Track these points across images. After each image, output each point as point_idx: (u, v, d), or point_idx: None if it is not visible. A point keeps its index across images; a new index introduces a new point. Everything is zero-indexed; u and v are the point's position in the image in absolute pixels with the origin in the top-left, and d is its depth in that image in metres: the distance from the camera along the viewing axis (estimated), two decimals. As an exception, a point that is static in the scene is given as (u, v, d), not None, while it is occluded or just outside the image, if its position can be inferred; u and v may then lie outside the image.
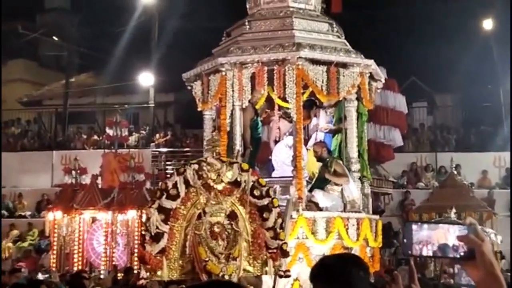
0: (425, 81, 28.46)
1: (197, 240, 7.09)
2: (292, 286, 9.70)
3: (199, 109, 11.18)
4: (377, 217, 11.16)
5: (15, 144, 26.47)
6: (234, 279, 6.80)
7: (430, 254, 2.12)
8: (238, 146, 10.48)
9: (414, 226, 2.16)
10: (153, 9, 27.67)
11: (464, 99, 27.32)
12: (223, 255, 7.10)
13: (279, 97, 10.73)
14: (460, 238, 2.06)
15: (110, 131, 19.02)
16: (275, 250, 7.19)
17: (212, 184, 7.29)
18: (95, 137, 25.91)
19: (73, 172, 18.59)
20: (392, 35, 27.99)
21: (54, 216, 17.09)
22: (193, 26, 27.43)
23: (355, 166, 10.73)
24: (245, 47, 10.58)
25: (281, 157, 11.28)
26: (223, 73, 10.43)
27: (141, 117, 29.21)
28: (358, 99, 10.95)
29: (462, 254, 2.07)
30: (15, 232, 21.60)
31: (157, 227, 7.09)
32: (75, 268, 16.20)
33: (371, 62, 10.79)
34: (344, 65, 10.55)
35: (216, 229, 7.17)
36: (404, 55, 26.53)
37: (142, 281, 7.21)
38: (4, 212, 23.18)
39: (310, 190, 10.60)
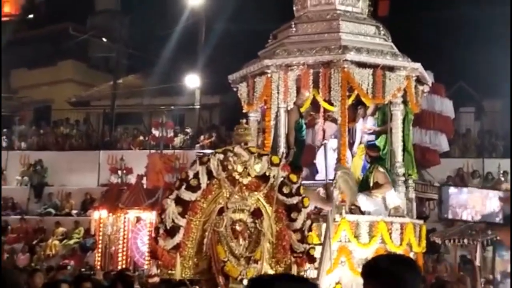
0: (473, 86, 28.02)
1: (216, 238, 6.40)
2: (334, 289, 9.67)
3: (244, 111, 11.23)
4: (421, 222, 11.05)
5: (63, 144, 26.95)
6: None
7: (470, 218, 2.04)
8: (282, 148, 10.50)
9: (451, 189, 2.07)
10: (201, 12, 27.90)
11: (513, 105, 26.82)
12: (244, 256, 6.39)
13: (324, 100, 10.72)
14: (503, 199, 1.98)
15: (156, 132, 19.25)
16: (300, 255, 6.51)
17: (237, 177, 6.60)
18: (141, 137, 26.21)
19: (119, 172, 18.87)
20: (440, 39, 27.66)
21: (99, 215, 17.33)
22: (239, 29, 27.54)
23: (400, 170, 10.65)
24: (291, 49, 10.61)
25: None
26: (269, 75, 10.47)
27: (187, 119, 29.42)
28: (404, 102, 10.87)
29: (502, 220, 1.98)
30: (61, 229, 21.98)
31: (173, 220, 6.41)
32: (119, 267, 16.40)
33: (418, 65, 10.71)
34: (391, 68, 10.49)
35: (237, 227, 6.48)
36: (452, 60, 26.19)
37: (155, 279, 6.76)
38: (51, 210, 23.63)
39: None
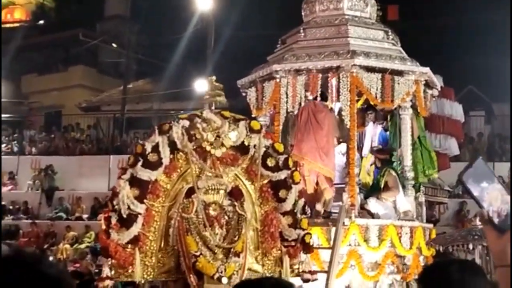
0: (483, 89, 27.99)
1: (184, 226, 4.93)
2: (344, 293, 9.69)
3: (253, 116, 11.28)
4: (431, 225, 11.07)
5: (74, 148, 27.09)
6: (235, 283, 4.58)
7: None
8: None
9: (469, 180, 1.97)
10: (210, 17, 27.99)
11: (523, 109, 26.77)
12: (221, 248, 4.95)
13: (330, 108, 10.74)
14: None
15: (166, 137, 19.28)
16: (293, 243, 5.18)
17: (208, 148, 5.16)
18: (152, 142, 26.25)
19: (130, 176, 18.90)
20: (450, 43, 27.66)
21: (110, 219, 17.36)
22: (248, 34, 27.64)
23: (409, 174, 10.67)
24: (299, 54, 10.66)
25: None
26: (278, 80, 10.53)
27: (197, 123, 29.45)
28: (413, 106, 10.90)
29: (503, 225, 1.93)
30: (72, 234, 22.08)
31: (128, 207, 4.89)
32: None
33: (426, 69, 10.74)
34: (399, 73, 10.52)
35: (212, 212, 5.03)
36: (462, 64, 26.18)
37: (106, 283, 5.01)
38: (62, 214, 23.75)
39: (366, 197, 10.59)
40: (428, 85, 11.15)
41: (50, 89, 33.28)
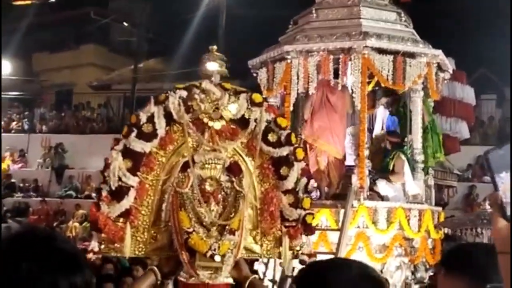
0: (495, 72, 27.82)
1: (178, 201, 4.77)
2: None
3: (263, 97, 11.24)
4: (439, 209, 11.07)
5: (84, 127, 27.20)
6: (229, 262, 4.63)
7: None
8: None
9: (494, 160, 1.93)
10: (222, -4, 27.89)
11: (535, 93, 26.61)
12: (216, 225, 4.75)
13: (343, 86, 10.72)
14: None
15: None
16: (294, 224, 4.91)
17: (206, 120, 4.93)
18: (162, 121, 26.30)
19: (139, 155, 18.97)
20: (463, 25, 27.45)
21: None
22: (260, 14, 27.52)
23: (419, 157, 10.65)
24: (311, 35, 10.61)
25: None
26: (289, 61, 10.49)
27: (207, 103, 29.45)
28: (424, 89, 10.86)
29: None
30: (81, 212, 22.22)
31: (119, 179, 4.76)
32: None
33: (439, 52, 10.67)
34: (411, 55, 10.46)
35: (208, 187, 4.81)
36: (474, 46, 26.01)
37: (89, 256, 4.77)
38: (72, 192, 23.89)
39: (375, 179, 10.59)
40: (440, 68, 11.09)
41: (61, 67, 33.33)
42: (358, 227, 9.85)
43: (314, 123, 10.49)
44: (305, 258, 4.78)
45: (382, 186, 10.45)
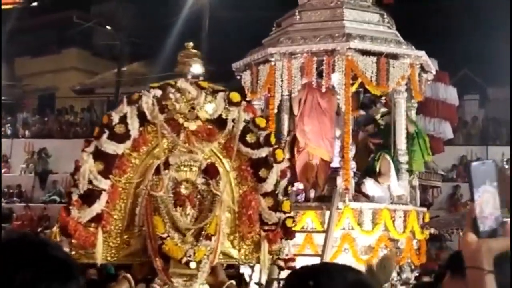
0: (478, 73, 28.01)
1: (152, 205, 4.54)
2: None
3: (247, 99, 11.25)
4: (424, 209, 11.10)
5: (67, 131, 27.03)
6: (205, 269, 4.39)
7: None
8: (286, 136, 10.55)
9: (475, 172, 1.88)
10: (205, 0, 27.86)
11: (517, 93, 26.79)
12: (192, 230, 4.51)
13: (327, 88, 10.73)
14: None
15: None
16: (273, 227, 4.70)
17: (181, 121, 4.72)
18: (145, 125, 26.21)
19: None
20: (445, 26, 27.60)
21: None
22: (244, 16, 27.52)
23: (403, 158, 10.67)
24: (295, 37, 10.62)
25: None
26: (273, 63, 10.50)
27: (191, 106, 29.40)
28: (407, 90, 10.89)
29: (488, 230, 1.88)
30: (66, 217, 22.08)
31: (90, 182, 4.53)
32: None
33: (422, 53, 10.72)
34: (395, 56, 10.50)
35: (183, 190, 4.60)
36: (457, 47, 26.14)
37: None
38: (56, 197, 23.73)
39: (360, 182, 10.60)
40: (423, 68, 11.14)
41: (44, 72, 33.11)
42: (344, 228, 9.86)
43: (305, 126, 10.51)
44: (282, 263, 4.65)
45: (369, 186, 10.46)
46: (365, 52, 10.32)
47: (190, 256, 4.38)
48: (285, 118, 10.71)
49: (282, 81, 10.43)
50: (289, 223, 4.72)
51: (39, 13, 34.03)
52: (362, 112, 11.80)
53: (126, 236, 4.62)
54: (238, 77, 11.45)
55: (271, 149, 4.75)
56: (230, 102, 4.76)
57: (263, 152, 4.73)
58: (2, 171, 25.49)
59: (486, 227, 1.89)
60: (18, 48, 33.12)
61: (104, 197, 4.53)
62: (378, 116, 11.20)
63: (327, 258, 9.10)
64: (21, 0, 36.33)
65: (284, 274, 5.40)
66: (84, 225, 4.48)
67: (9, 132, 27.54)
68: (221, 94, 4.78)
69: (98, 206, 4.52)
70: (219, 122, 4.74)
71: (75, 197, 4.53)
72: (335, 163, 10.57)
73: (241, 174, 4.78)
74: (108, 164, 4.58)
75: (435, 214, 18.46)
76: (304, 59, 10.38)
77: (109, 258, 4.62)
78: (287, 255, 4.71)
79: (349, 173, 10.05)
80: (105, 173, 4.55)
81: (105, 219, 4.55)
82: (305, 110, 10.59)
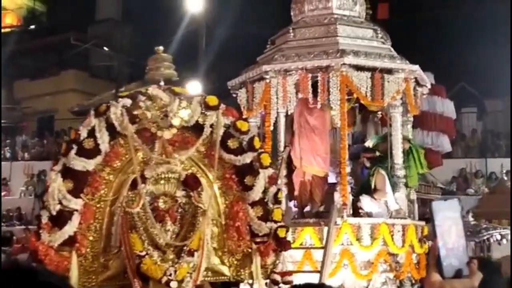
0: (475, 86, 28.06)
1: (128, 223, 4.13)
2: (338, 293, 9.68)
3: (244, 117, 11.26)
4: (422, 223, 11.07)
5: (67, 153, 27.05)
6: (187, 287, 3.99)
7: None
8: (282, 152, 10.56)
9: (437, 209, 1.81)
10: (201, 19, 27.97)
11: (515, 105, 26.83)
12: (172, 247, 4.14)
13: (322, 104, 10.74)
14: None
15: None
16: (265, 239, 4.30)
17: (154, 130, 4.36)
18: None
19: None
20: (441, 40, 27.70)
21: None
22: (239, 35, 27.67)
23: (400, 172, 10.67)
24: (289, 54, 10.66)
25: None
26: (268, 81, 10.52)
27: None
28: (403, 104, 10.91)
29: (452, 269, 1.85)
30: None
31: (59, 202, 4.14)
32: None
33: (416, 67, 10.75)
34: (389, 71, 10.53)
35: (162, 205, 4.21)
36: (454, 60, 26.24)
37: None
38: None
39: (358, 195, 10.59)
40: (418, 82, 11.16)
41: (43, 94, 33.18)
42: (342, 244, 9.84)
43: (296, 145, 10.53)
44: (277, 277, 4.33)
45: (366, 203, 10.45)
46: (359, 68, 10.36)
47: (170, 275, 4.09)
48: (281, 135, 10.70)
49: (277, 98, 10.46)
50: (281, 233, 4.41)
51: (37, 36, 34.21)
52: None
53: (103, 259, 4.32)
54: (234, 95, 11.47)
55: (255, 154, 4.46)
56: (207, 107, 4.47)
57: (247, 158, 4.43)
58: (2, 194, 25.48)
59: (451, 263, 1.85)
60: (17, 71, 33.25)
61: (76, 218, 4.22)
62: (371, 145, 11.23)
63: (327, 274, 9.08)
64: (19, 24, 36.56)
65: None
66: (56, 249, 4.18)
67: (8, 155, 27.56)
68: (196, 99, 4.52)
69: (70, 228, 4.22)
70: (197, 129, 4.45)
71: (44, 220, 4.21)
72: (332, 179, 10.56)
73: (226, 184, 4.47)
74: (79, 182, 4.28)
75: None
76: (299, 76, 10.41)
77: (86, 284, 4.30)
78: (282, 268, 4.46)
79: (346, 189, 10.05)
80: (75, 192, 4.25)
81: (79, 242, 4.25)
82: (296, 129, 10.63)
